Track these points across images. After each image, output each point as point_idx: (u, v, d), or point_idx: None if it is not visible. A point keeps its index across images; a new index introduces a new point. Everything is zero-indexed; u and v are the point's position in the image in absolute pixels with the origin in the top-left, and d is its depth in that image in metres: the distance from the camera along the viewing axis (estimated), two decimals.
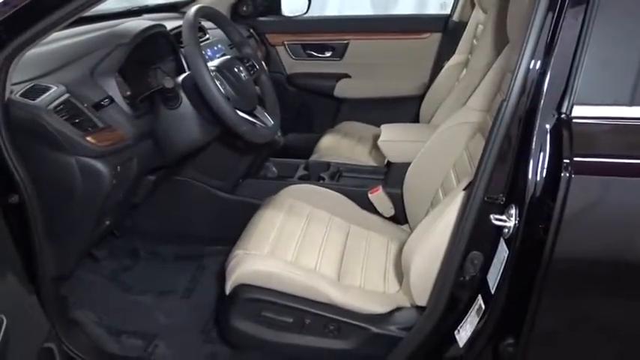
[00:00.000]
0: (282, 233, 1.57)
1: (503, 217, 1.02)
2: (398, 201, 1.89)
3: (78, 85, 1.37)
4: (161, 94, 1.50)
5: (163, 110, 1.52)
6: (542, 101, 0.97)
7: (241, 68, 1.60)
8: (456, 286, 1.17)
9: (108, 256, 2.09)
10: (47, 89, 1.30)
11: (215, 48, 2.23)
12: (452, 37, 2.60)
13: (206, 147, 1.81)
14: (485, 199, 1.08)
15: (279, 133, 2.27)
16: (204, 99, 1.41)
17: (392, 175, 1.98)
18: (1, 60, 1.15)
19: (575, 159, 0.92)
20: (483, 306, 1.09)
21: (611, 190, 0.95)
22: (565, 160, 0.92)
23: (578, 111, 0.96)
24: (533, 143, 0.97)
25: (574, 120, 0.96)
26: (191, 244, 2.17)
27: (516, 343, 1.06)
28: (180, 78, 1.54)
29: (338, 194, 1.85)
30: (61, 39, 1.49)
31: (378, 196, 1.93)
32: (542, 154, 0.96)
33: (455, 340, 1.18)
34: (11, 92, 1.24)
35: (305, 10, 2.82)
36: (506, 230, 1.02)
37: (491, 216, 1.03)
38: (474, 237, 1.12)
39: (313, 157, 2.38)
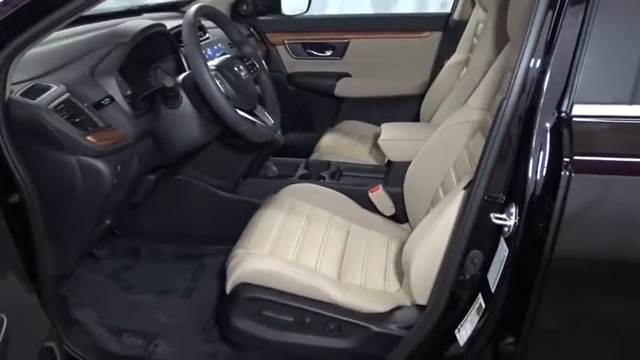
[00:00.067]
0: (282, 232, 1.58)
1: (504, 216, 1.02)
2: (398, 200, 1.89)
3: (78, 85, 1.37)
4: (161, 93, 1.50)
5: (164, 109, 1.52)
6: (542, 100, 0.97)
7: (241, 67, 1.60)
8: (457, 284, 1.17)
9: (108, 255, 2.10)
10: (47, 89, 1.30)
11: (215, 47, 2.23)
12: (452, 36, 2.60)
13: (206, 146, 1.81)
14: (486, 197, 1.08)
15: (280, 132, 2.27)
16: (204, 98, 1.42)
17: (392, 174, 1.98)
18: (1, 59, 1.15)
19: (575, 158, 0.92)
20: (484, 305, 1.09)
21: (611, 188, 0.95)
22: (565, 159, 0.92)
23: (578, 110, 0.96)
24: (534, 142, 0.97)
25: (574, 119, 0.96)
26: (191, 243, 2.17)
27: (516, 342, 1.06)
28: (181, 77, 1.54)
29: (338, 193, 1.85)
30: (61, 38, 1.50)
31: (379, 195, 1.93)
32: (542, 152, 0.96)
33: (455, 339, 1.18)
34: (11, 92, 1.24)
35: (305, 9, 2.82)
36: (507, 229, 1.02)
37: (492, 215, 1.03)
38: (474, 236, 1.12)
39: (313, 156, 2.38)
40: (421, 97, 2.59)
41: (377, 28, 2.86)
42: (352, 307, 1.37)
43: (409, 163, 1.79)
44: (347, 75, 2.88)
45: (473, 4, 2.45)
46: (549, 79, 0.97)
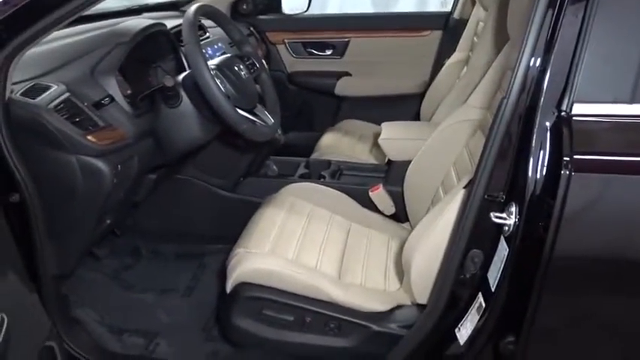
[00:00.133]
0: (282, 231, 1.58)
1: (504, 215, 1.02)
2: (398, 199, 1.89)
3: (78, 84, 1.37)
4: (161, 92, 1.50)
5: (164, 109, 1.52)
6: (542, 99, 0.97)
7: (241, 67, 1.60)
8: (457, 284, 1.17)
9: (109, 254, 2.10)
10: (47, 88, 1.30)
11: (215, 46, 2.23)
12: (452, 35, 2.60)
13: (206, 145, 1.81)
14: (486, 197, 1.08)
15: (280, 132, 2.27)
16: (204, 97, 1.42)
17: (392, 173, 1.97)
18: (1, 59, 1.15)
19: (575, 157, 0.92)
20: (484, 304, 1.09)
21: (611, 187, 0.95)
22: (565, 158, 0.92)
23: (578, 109, 0.96)
24: (534, 141, 0.96)
25: (574, 118, 0.96)
26: (192, 242, 2.18)
27: (517, 341, 1.06)
28: (181, 77, 1.54)
29: (339, 192, 1.85)
30: (61, 38, 1.49)
31: (379, 194, 1.93)
32: (542, 151, 0.96)
33: (455, 338, 1.18)
34: (12, 91, 1.24)
35: (305, 8, 2.82)
36: (507, 228, 1.02)
37: (492, 214, 1.03)
38: (474, 235, 1.12)
39: (314, 156, 2.39)
40: (421, 96, 2.59)
41: (377, 27, 2.86)
42: (352, 306, 1.38)
43: (409, 162, 1.79)
44: (347, 74, 2.88)
45: (473, 3, 2.45)
46: (549, 77, 0.97)
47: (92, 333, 1.71)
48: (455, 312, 1.19)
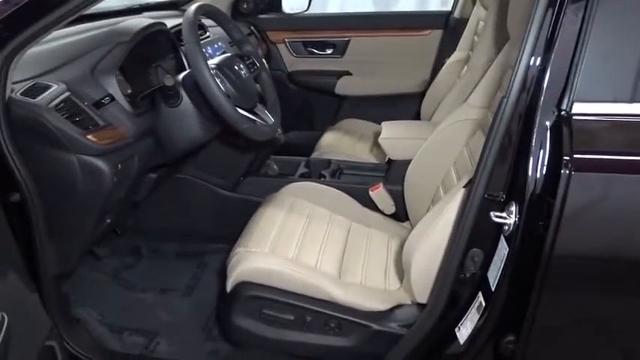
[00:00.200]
0: (283, 231, 1.58)
1: (504, 215, 1.02)
2: (399, 198, 1.89)
3: (78, 84, 1.37)
4: (162, 92, 1.50)
5: (164, 108, 1.52)
6: (542, 98, 0.97)
7: (242, 66, 1.60)
8: (457, 283, 1.17)
9: (109, 254, 2.10)
10: (48, 87, 1.30)
11: (215, 46, 2.23)
12: (453, 34, 2.60)
13: (207, 145, 1.81)
14: (486, 196, 1.08)
15: (280, 131, 2.26)
16: (204, 97, 1.41)
17: (393, 172, 1.98)
18: (1, 59, 1.15)
19: (575, 156, 0.92)
20: (484, 303, 1.09)
21: (611, 187, 0.95)
22: (565, 157, 0.92)
23: (578, 108, 0.96)
24: (533, 140, 0.96)
25: (574, 117, 0.95)
26: (192, 241, 2.18)
27: (517, 340, 1.06)
28: (181, 76, 1.54)
29: (339, 192, 1.85)
30: (61, 37, 1.50)
31: (379, 194, 1.93)
32: (542, 151, 0.96)
33: (455, 338, 1.18)
34: (12, 91, 1.24)
35: (306, 8, 2.82)
36: (507, 227, 1.02)
37: (492, 213, 1.03)
38: (474, 234, 1.12)
39: (314, 155, 2.39)
40: (422, 95, 2.59)
41: (378, 26, 2.85)
42: (353, 305, 1.38)
43: (410, 161, 1.79)
44: (348, 73, 2.88)
45: (473, 2, 2.45)
46: (549, 77, 0.97)
47: (93, 332, 1.71)
48: (455, 311, 1.19)
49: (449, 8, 2.78)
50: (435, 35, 2.75)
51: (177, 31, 1.86)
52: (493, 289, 1.06)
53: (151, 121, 1.53)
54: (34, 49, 1.25)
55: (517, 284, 1.02)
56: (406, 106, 2.75)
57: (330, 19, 3.07)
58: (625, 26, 0.95)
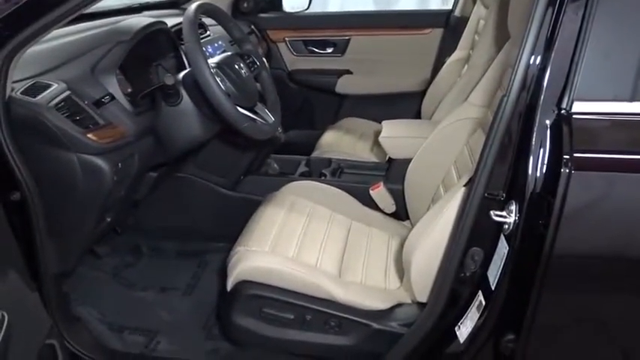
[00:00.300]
0: (283, 230, 1.58)
1: (504, 213, 1.02)
2: (399, 197, 1.89)
3: (79, 83, 1.37)
4: (162, 90, 1.50)
5: (164, 107, 1.52)
6: (542, 97, 0.97)
7: (242, 65, 1.60)
8: (457, 282, 1.17)
9: (110, 252, 2.10)
10: (48, 86, 1.30)
11: (216, 45, 2.23)
12: (453, 33, 2.59)
13: (207, 143, 1.81)
14: (486, 195, 1.08)
15: (281, 130, 2.27)
16: (204, 96, 1.41)
17: (393, 171, 1.98)
18: (1, 57, 1.15)
19: (575, 155, 0.92)
20: (484, 302, 1.09)
21: (611, 186, 0.94)
22: (565, 156, 0.92)
23: (578, 107, 0.96)
24: (534, 139, 0.96)
25: (574, 116, 0.95)
26: (193, 240, 2.18)
27: (517, 339, 1.06)
28: (181, 75, 1.54)
29: (339, 191, 1.85)
30: (61, 36, 1.50)
31: (380, 193, 1.93)
32: (542, 150, 0.96)
33: (455, 336, 1.18)
34: (12, 90, 1.24)
35: (306, 7, 2.82)
36: (507, 226, 1.02)
37: (492, 212, 1.03)
38: (474, 233, 1.12)
39: (314, 154, 2.39)
40: (422, 94, 2.59)
41: (378, 25, 2.85)
42: (353, 304, 1.38)
43: (410, 160, 1.79)
44: (348, 72, 2.88)
45: (474, 1, 2.44)
46: (549, 75, 0.97)
47: (93, 331, 1.71)
48: (455, 310, 1.19)
49: (449, 7, 2.78)
50: (436, 34, 2.75)
51: (178, 30, 1.86)
52: (493, 287, 1.06)
53: (151, 120, 1.53)
54: (34, 48, 1.25)
55: (517, 283, 1.02)
56: (406, 105, 2.75)
57: (330, 17, 3.07)
58: (625, 25, 0.95)
